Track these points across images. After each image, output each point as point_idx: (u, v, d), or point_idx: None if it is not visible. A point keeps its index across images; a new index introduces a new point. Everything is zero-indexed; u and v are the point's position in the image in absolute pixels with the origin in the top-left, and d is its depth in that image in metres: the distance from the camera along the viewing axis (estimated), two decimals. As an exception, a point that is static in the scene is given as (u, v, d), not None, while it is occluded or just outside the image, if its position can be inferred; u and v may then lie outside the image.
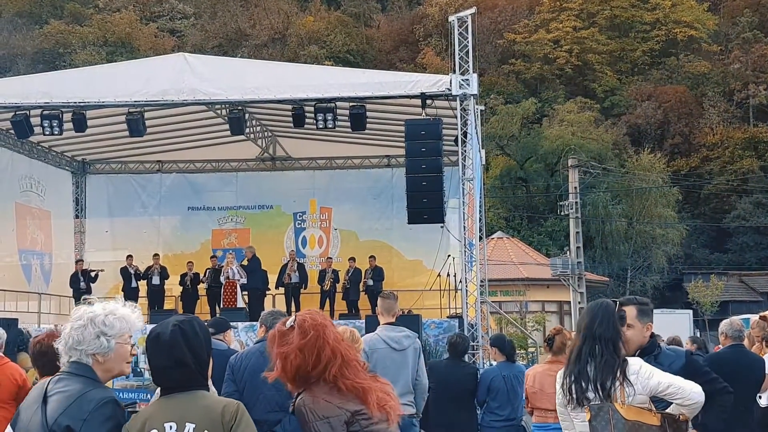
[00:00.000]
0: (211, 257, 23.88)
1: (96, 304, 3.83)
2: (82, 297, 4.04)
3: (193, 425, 3.53)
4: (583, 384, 4.84)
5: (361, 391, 3.85)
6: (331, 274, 23.02)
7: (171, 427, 3.54)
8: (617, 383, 4.76)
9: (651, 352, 5.24)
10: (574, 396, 4.90)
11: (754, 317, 10.61)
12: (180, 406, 3.58)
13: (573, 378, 4.92)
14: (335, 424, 3.79)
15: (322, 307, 22.61)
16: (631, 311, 5.23)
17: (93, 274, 23.03)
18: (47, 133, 19.12)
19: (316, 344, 3.85)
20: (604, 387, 4.78)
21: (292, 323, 3.94)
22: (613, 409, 4.75)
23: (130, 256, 23.44)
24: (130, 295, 22.59)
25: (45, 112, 18.81)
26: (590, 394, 4.83)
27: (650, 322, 5.29)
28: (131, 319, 3.83)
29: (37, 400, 3.66)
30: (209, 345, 3.80)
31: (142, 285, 23.21)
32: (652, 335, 5.34)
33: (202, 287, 23.19)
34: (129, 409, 15.23)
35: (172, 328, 3.67)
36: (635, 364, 4.83)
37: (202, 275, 22.95)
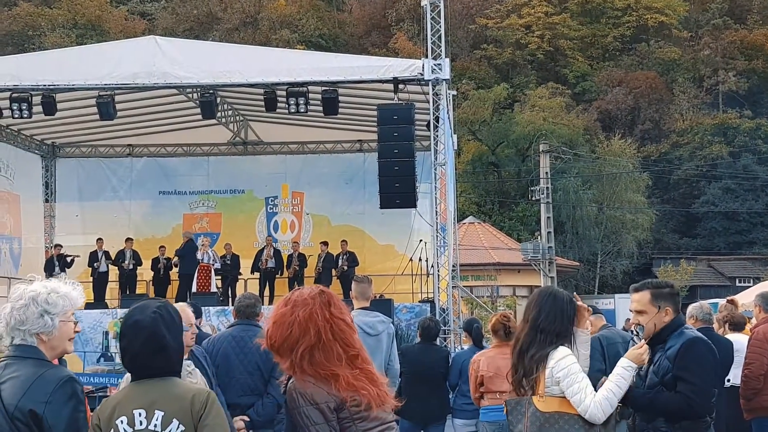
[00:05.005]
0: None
1: (35, 282, 3.76)
2: (28, 275, 3.94)
3: (162, 413, 3.50)
4: (521, 372, 4.85)
5: (325, 378, 3.78)
6: (296, 259, 22.95)
7: (140, 414, 3.51)
8: (539, 373, 4.75)
9: (664, 336, 5.03)
10: (513, 385, 4.92)
11: (722, 301, 10.73)
12: (150, 393, 3.55)
13: (512, 366, 4.93)
14: (324, 409, 3.74)
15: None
16: (644, 297, 5.12)
17: (69, 259, 22.83)
18: (16, 116, 18.95)
19: (287, 320, 3.79)
20: (530, 376, 4.79)
21: None
22: (530, 403, 4.73)
23: (99, 240, 23.27)
24: (99, 279, 22.49)
25: (14, 95, 18.63)
26: (524, 383, 4.83)
27: (669, 305, 5.07)
28: (73, 296, 3.78)
29: None
30: (182, 330, 3.79)
31: (113, 269, 23.05)
32: (675, 319, 5.10)
33: (174, 272, 23.07)
34: (99, 394, 15.09)
35: (153, 314, 3.61)
36: (556, 355, 4.79)
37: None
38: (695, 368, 4.93)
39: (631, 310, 5.23)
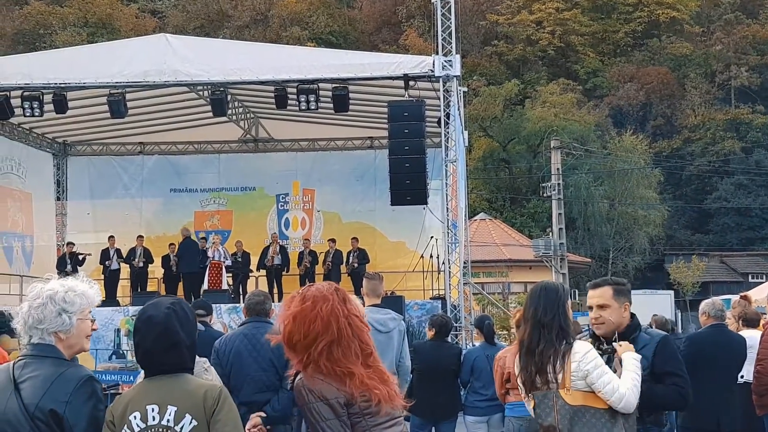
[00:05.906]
0: (201, 238, 23.67)
1: (52, 281, 3.76)
2: (45, 275, 3.93)
3: (175, 408, 3.53)
4: (532, 370, 4.85)
5: (340, 376, 3.75)
6: (307, 256, 22.94)
7: (153, 410, 3.54)
8: (558, 368, 4.75)
9: (629, 335, 5.14)
10: (525, 384, 4.92)
11: (734, 297, 10.68)
12: (163, 389, 3.58)
13: (523, 367, 4.92)
14: (334, 405, 3.71)
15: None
16: (606, 292, 5.18)
17: (81, 257, 22.88)
18: (28, 114, 19.01)
19: (308, 315, 3.74)
20: (545, 373, 4.78)
21: None
22: (557, 396, 4.73)
23: (111, 237, 23.30)
24: (111, 277, 22.53)
25: (25, 94, 18.68)
26: (537, 381, 4.83)
27: (628, 302, 5.20)
28: (90, 294, 3.78)
29: (7, 387, 3.56)
30: (196, 327, 3.79)
31: (124, 267, 23.09)
32: (633, 316, 5.25)
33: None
34: (112, 391, 15.11)
35: (166, 310, 3.63)
36: (581, 349, 4.79)
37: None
38: (676, 362, 5.21)
39: (590, 306, 5.26)
